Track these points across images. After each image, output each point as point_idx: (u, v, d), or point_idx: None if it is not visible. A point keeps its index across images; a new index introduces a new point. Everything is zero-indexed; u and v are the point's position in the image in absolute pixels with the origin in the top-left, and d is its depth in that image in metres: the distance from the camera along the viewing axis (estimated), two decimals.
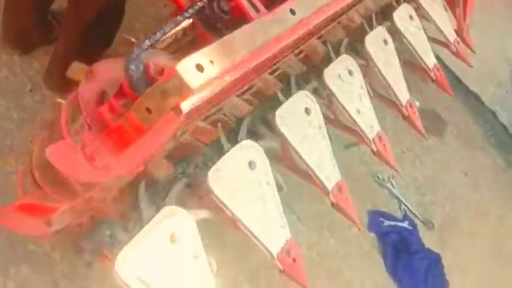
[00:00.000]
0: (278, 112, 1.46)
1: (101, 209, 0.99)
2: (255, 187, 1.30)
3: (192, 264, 1.07)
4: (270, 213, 1.32)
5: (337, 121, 1.87)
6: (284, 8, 1.28)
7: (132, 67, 0.92)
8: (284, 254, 1.30)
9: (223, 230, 1.70)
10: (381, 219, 2.33)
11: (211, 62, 0.92)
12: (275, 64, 1.46)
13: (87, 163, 0.84)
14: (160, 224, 1.04)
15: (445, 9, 2.69)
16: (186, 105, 0.94)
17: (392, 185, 2.59)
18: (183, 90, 0.85)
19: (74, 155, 0.84)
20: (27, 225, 0.96)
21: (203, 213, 1.18)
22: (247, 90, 1.41)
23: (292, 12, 1.29)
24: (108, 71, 0.99)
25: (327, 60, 1.77)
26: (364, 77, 1.91)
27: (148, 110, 0.87)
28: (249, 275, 1.76)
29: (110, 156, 0.84)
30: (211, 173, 1.20)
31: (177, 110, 0.90)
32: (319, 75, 1.72)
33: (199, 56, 0.91)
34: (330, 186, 1.58)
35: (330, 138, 1.66)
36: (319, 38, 1.72)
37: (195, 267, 1.07)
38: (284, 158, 1.63)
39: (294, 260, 1.32)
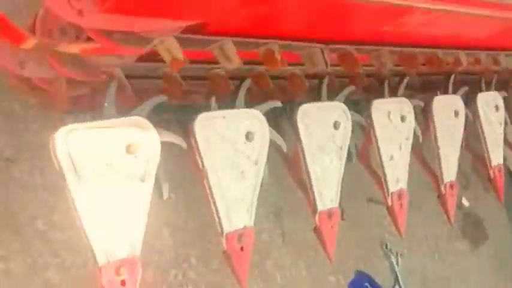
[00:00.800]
0: (304, 106, 1.38)
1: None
2: (241, 158, 1.22)
3: (134, 184, 1.01)
4: (242, 190, 1.23)
5: (365, 156, 1.75)
6: None
7: None
8: (234, 236, 1.21)
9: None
10: (366, 284, 2.14)
11: None
12: None
13: None
14: (124, 128, 0.99)
15: None
16: None
17: (397, 261, 2.38)
18: None
19: None
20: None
21: (172, 138, 1.11)
22: None
23: None
24: None
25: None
26: None
27: None
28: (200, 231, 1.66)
29: (90, 3, 0.79)
30: (201, 116, 1.14)
31: None
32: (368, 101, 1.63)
33: None
34: (321, 207, 1.45)
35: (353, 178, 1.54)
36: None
37: (135, 188, 1.01)
38: (291, 161, 1.54)
39: (242, 248, 1.22)
